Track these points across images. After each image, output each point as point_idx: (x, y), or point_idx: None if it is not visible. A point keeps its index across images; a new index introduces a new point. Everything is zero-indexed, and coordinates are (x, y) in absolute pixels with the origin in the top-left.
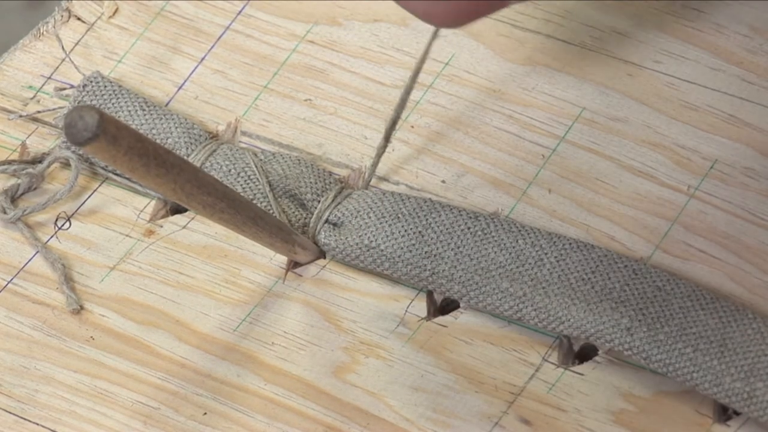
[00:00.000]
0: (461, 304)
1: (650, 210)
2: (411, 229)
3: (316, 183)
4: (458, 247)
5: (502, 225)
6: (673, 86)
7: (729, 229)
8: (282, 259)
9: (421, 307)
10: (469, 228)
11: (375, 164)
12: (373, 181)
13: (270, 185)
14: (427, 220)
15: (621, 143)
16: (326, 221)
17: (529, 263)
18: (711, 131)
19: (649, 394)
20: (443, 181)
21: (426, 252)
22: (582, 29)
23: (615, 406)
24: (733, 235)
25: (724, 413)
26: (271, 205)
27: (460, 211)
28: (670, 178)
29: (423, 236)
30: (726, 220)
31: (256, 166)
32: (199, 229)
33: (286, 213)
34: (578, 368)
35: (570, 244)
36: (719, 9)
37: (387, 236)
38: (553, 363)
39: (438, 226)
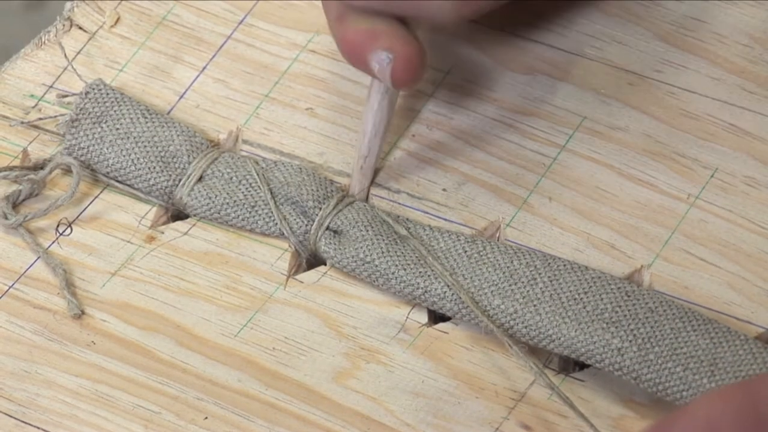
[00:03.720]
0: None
1: (651, 218)
2: (408, 251)
3: (317, 191)
4: (453, 269)
5: (498, 247)
6: (673, 95)
7: (729, 238)
8: (283, 266)
9: (422, 313)
10: (465, 251)
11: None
12: (375, 190)
13: (271, 193)
14: (425, 246)
15: (621, 152)
16: (327, 228)
17: (522, 282)
18: (711, 140)
19: (649, 400)
20: (444, 190)
21: (420, 272)
22: (583, 38)
23: (615, 412)
24: (733, 243)
25: None
26: (272, 212)
27: (458, 236)
28: (671, 186)
29: (419, 259)
30: (726, 229)
31: (257, 174)
32: (200, 236)
33: (287, 220)
34: (579, 374)
35: (564, 265)
36: (719, 18)
37: (382, 252)
38: (553, 369)
39: (436, 252)
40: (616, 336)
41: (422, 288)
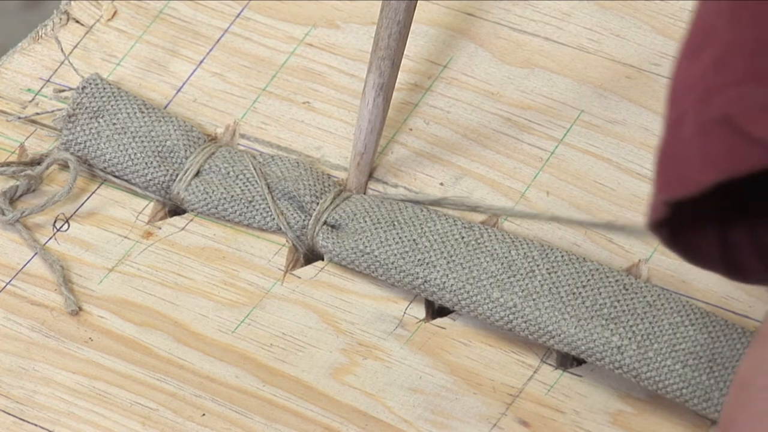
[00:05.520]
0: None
1: None
2: (405, 236)
3: (314, 185)
4: (451, 256)
5: (495, 235)
6: None
7: None
8: (280, 261)
9: (419, 308)
10: (462, 237)
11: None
12: (372, 184)
13: (269, 187)
14: (422, 228)
15: (619, 145)
16: (324, 223)
17: (521, 274)
18: None
19: (647, 395)
20: (441, 184)
21: (419, 260)
22: (580, 32)
23: (613, 408)
24: None
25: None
26: (269, 207)
27: (455, 221)
28: None
29: (417, 244)
30: None
31: (254, 169)
32: (197, 231)
33: (284, 215)
34: (576, 370)
35: (562, 256)
36: None
37: (381, 242)
38: (551, 365)
39: (432, 235)
40: (615, 333)
41: (422, 278)
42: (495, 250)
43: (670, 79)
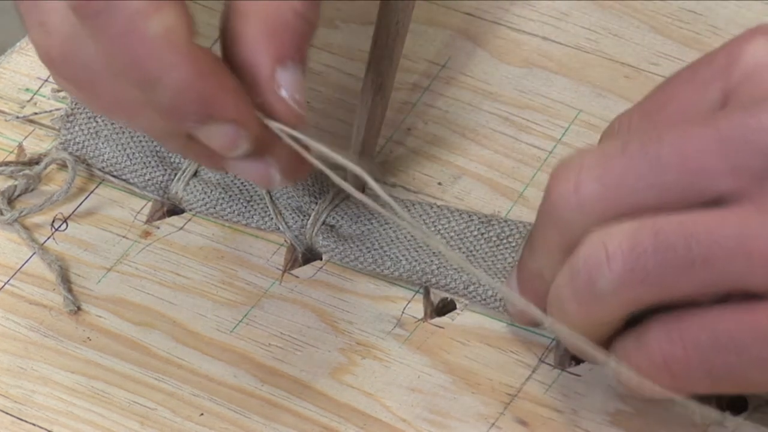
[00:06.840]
0: (464, 302)
1: None
2: (407, 233)
3: (313, 186)
4: (470, 252)
5: (517, 227)
6: None
7: None
8: (279, 261)
9: (417, 308)
10: (482, 234)
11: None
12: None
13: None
14: (435, 226)
15: None
16: (323, 223)
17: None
18: None
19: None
20: (440, 183)
21: (429, 252)
22: (579, 31)
23: (611, 407)
24: None
25: None
26: (268, 207)
27: (471, 216)
28: None
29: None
30: None
31: None
32: (195, 231)
33: (282, 215)
34: (575, 369)
35: None
36: (715, 11)
37: (391, 240)
38: (549, 364)
39: (448, 233)
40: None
41: (437, 264)
42: (518, 244)
43: None
